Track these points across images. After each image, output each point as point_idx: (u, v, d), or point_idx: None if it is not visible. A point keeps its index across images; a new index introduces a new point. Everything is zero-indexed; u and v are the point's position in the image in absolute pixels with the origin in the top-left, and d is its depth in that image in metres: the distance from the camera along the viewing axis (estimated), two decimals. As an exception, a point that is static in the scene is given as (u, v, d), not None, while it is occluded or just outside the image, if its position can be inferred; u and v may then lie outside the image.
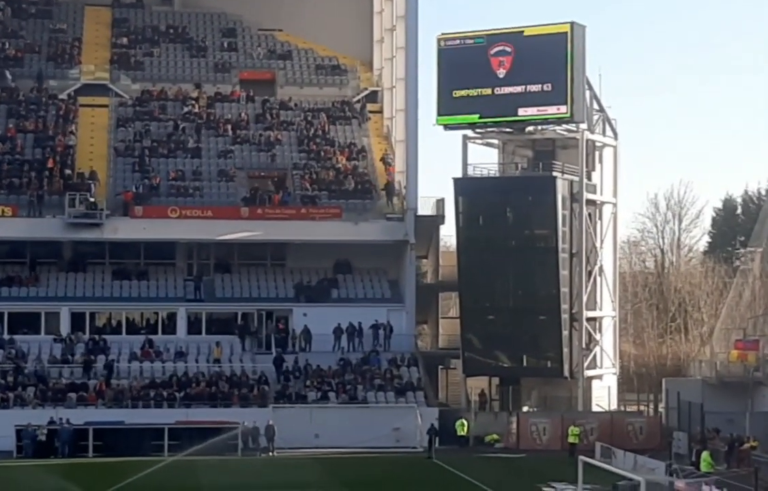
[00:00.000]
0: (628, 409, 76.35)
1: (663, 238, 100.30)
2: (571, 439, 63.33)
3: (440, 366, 77.70)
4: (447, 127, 72.89)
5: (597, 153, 73.22)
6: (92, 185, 73.64)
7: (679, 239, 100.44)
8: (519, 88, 70.46)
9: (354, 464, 59.93)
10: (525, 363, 70.87)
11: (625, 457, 55.40)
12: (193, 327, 72.88)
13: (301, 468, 58.02)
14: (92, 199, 72.31)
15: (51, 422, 62.70)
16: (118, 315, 73.63)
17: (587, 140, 71.23)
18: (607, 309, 73.70)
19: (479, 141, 74.66)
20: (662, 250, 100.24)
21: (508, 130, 73.05)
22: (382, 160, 79.29)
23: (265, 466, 59.26)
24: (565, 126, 71.46)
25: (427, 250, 79.04)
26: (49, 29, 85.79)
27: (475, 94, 71.52)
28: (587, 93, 71.04)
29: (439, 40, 72.72)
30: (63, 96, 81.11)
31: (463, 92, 71.70)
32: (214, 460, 57.08)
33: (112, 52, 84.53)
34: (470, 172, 72.67)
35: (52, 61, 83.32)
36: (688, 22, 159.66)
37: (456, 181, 71.80)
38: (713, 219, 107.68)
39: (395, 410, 66.98)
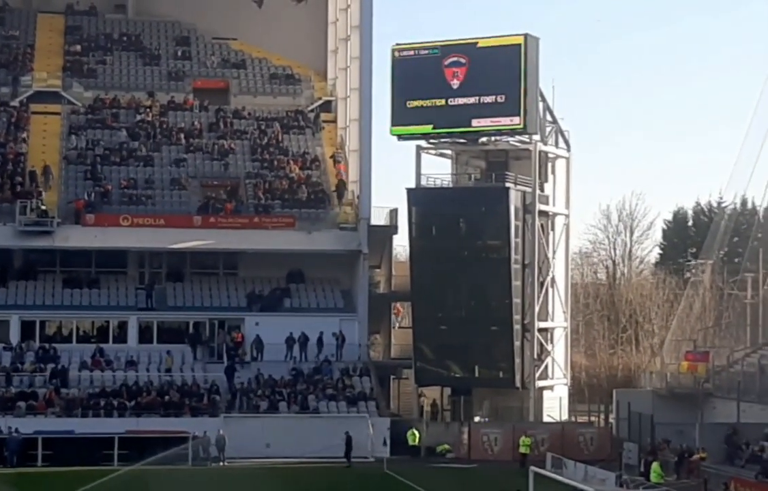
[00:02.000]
0: (579, 420, 76.62)
1: (615, 249, 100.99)
2: (522, 450, 63.51)
3: (392, 376, 77.69)
4: (401, 137, 73.04)
5: (550, 164, 73.58)
6: (43, 185, 73.06)
7: (630, 251, 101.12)
8: (473, 99, 70.70)
9: (305, 474, 59.83)
10: (477, 374, 70.99)
11: (575, 468, 55.65)
12: (145, 336, 72.49)
13: (252, 479, 57.83)
14: (43, 207, 71.83)
15: None
16: (68, 324, 73.12)
17: (540, 152, 71.58)
18: (558, 320, 74.02)
19: (433, 151, 74.85)
20: (614, 262, 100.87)
21: (461, 140, 73.27)
22: (332, 157, 79.38)
23: (215, 477, 58.99)
24: (518, 137, 71.77)
25: (380, 260, 79.06)
26: (1, 35, 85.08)
27: (429, 104, 71.69)
28: (540, 104, 71.41)
29: (393, 50, 72.86)
30: (15, 103, 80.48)
31: (417, 103, 71.85)
32: (164, 470, 56.75)
33: (65, 60, 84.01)
34: (423, 182, 72.84)
35: (4, 67, 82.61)
36: (641, 34, 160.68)
37: (409, 191, 71.93)
38: (664, 231, 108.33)
39: (347, 420, 66.85)
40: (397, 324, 77.54)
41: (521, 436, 64.42)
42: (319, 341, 71.84)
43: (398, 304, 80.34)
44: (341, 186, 76.95)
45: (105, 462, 60.40)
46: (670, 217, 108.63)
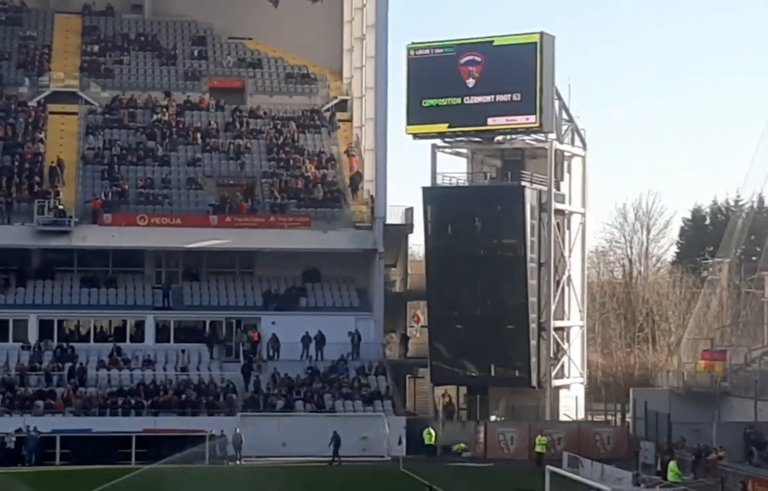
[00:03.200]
0: (595, 419, 76.49)
1: (631, 248, 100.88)
2: (538, 449, 63.52)
3: (408, 375, 77.76)
4: (416, 136, 73.09)
5: (566, 163, 73.52)
6: (60, 180, 73.38)
7: (647, 249, 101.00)
8: (488, 98, 70.69)
9: (321, 473, 59.92)
10: (493, 373, 70.97)
11: (592, 467, 55.63)
12: (161, 335, 72.66)
13: (268, 477, 57.95)
14: (61, 207, 72.09)
15: (18, 430, 62.43)
16: (86, 323, 73.31)
17: (556, 150, 71.51)
18: (575, 319, 73.95)
19: (448, 150, 74.84)
20: (630, 260, 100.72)
21: (477, 139, 73.26)
22: (346, 152, 79.47)
23: (232, 475, 59.12)
24: (534, 136, 71.75)
25: (395, 259, 79.11)
26: (19, 36, 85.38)
27: (445, 103, 71.69)
28: (556, 103, 71.33)
29: (408, 49, 72.91)
30: (32, 103, 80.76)
31: (433, 101, 71.88)
32: (181, 469, 56.88)
33: (82, 60, 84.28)
34: (439, 181, 72.87)
35: (21, 68, 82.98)
36: (658, 32, 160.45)
37: (425, 190, 71.96)
38: (681, 229, 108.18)
39: (363, 419, 66.97)
40: (417, 333, 77.30)
41: (537, 435, 64.41)
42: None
43: (418, 312, 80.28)
44: (356, 179, 77.06)
45: (122, 461, 60.62)
46: (687, 215, 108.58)
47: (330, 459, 62.64)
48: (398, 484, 56.82)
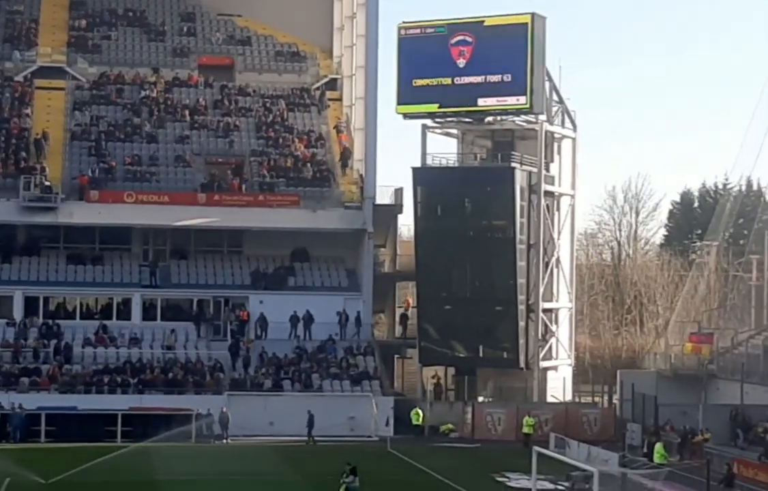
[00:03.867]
0: (582, 401, 76.59)
1: (620, 230, 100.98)
2: (525, 430, 63.54)
3: (396, 356, 77.66)
4: (406, 116, 72.94)
5: (556, 144, 73.42)
6: (44, 154, 73.12)
7: (636, 232, 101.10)
8: (479, 78, 70.52)
9: (308, 452, 59.78)
10: (481, 354, 70.94)
11: (579, 448, 55.55)
12: (148, 313, 72.34)
13: (255, 457, 57.80)
14: (47, 183, 71.68)
15: (2, 407, 62.13)
16: (72, 300, 73.06)
17: (546, 131, 71.37)
18: (563, 301, 73.90)
19: (438, 130, 74.70)
20: (619, 243, 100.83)
21: (467, 120, 73.10)
22: (335, 127, 79.22)
23: (219, 454, 58.95)
24: (524, 117, 71.62)
25: (385, 239, 78.94)
26: (6, 10, 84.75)
27: (435, 83, 71.51)
28: (547, 84, 71.19)
29: (399, 28, 72.69)
30: (19, 78, 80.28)
31: (423, 81, 71.69)
32: (167, 447, 56.65)
33: (70, 35, 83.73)
34: (429, 161, 72.73)
35: (8, 42, 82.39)
36: (649, 16, 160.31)
37: (415, 170, 71.80)
38: (670, 212, 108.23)
39: (350, 399, 66.85)
40: (408, 320, 77.03)
41: (525, 416, 64.39)
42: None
43: (408, 298, 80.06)
44: (346, 154, 76.83)
45: (108, 439, 60.41)
46: (676, 198, 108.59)
47: (306, 439, 62.41)
48: (385, 464, 56.68)
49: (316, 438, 62.53)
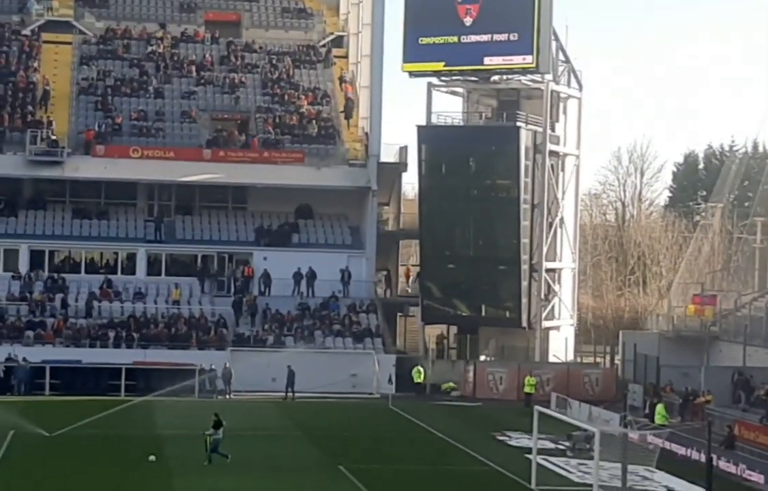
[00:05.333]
0: (584, 361, 76.84)
1: (624, 191, 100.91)
2: (527, 389, 63.76)
3: (399, 314, 77.88)
4: (412, 74, 72.95)
5: (561, 104, 73.41)
6: (48, 105, 73.27)
7: (640, 193, 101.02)
8: (485, 37, 70.51)
9: (310, 409, 60.11)
10: (483, 313, 71.16)
11: (580, 408, 55.69)
12: (153, 268, 72.63)
13: (257, 412, 58.11)
14: (53, 137, 71.81)
15: (8, 359, 62.49)
16: (77, 254, 73.25)
17: (552, 91, 71.37)
18: (566, 261, 74.04)
19: (444, 89, 74.69)
20: (623, 203, 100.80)
21: (473, 78, 73.05)
22: (340, 78, 79.29)
23: (221, 409, 59.15)
24: (530, 76, 71.58)
25: (389, 197, 79.04)
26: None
27: (441, 41, 71.51)
28: (553, 44, 71.13)
29: (406, -15, 72.54)
30: (26, 32, 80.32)
31: (429, 40, 71.67)
32: (171, 402, 57.01)
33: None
34: (434, 120, 72.76)
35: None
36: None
37: (419, 128, 71.85)
38: (674, 173, 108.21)
39: (353, 356, 67.14)
40: (409, 289, 77.15)
41: (526, 376, 64.62)
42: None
43: (409, 266, 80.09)
44: (349, 105, 76.82)
45: (112, 393, 60.72)
46: (681, 160, 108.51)
47: (284, 394, 62.65)
48: (387, 421, 57.03)
49: (295, 394, 62.63)
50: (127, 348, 65.69)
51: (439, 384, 68.13)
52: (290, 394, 62.80)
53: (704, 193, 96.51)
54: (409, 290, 76.81)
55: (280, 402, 61.31)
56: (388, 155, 76.11)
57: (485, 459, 46.75)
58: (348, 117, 76.97)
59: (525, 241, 69.99)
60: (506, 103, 73.09)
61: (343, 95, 78.60)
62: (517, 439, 51.68)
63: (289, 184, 73.48)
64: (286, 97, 78.28)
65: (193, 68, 79.23)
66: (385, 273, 78.11)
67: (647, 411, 57.89)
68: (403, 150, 76.60)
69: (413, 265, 79.61)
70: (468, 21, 71.05)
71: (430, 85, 73.06)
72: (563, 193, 73.24)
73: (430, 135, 71.81)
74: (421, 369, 67.26)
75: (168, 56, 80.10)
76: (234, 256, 73.47)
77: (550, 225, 71.83)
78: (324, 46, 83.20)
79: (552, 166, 71.87)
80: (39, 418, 50.93)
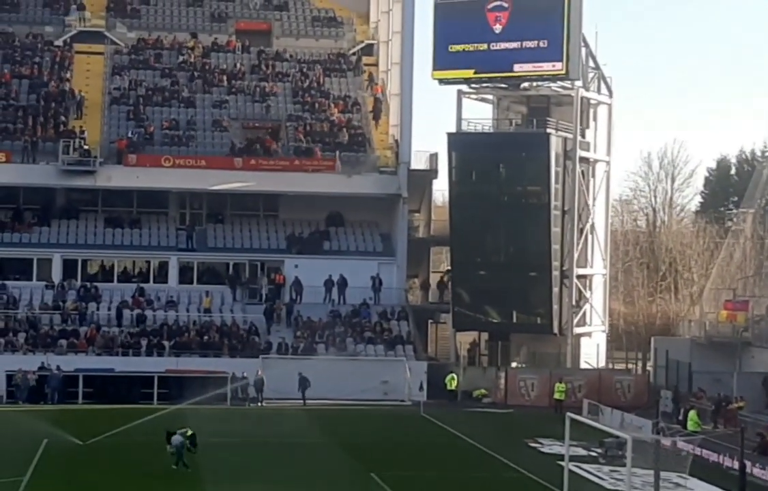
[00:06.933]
0: (616, 367, 76.68)
1: (655, 197, 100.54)
2: (557, 396, 63.74)
3: (430, 321, 77.93)
4: (442, 81, 72.97)
5: (591, 110, 73.30)
6: (81, 113, 73.87)
7: (671, 198, 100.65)
8: (515, 44, 70.45)
9: (342, 416, 60.21)
10: (515, 319, 71.10)
11: (612, 415, 55.75)
12: (185, 276, 72.96)
13: (289, 420, 58.27)
14: (86, 147, 72.28)
15: (41, 368, 62.88)
16: (109, 263, 73.68)
17: (582, 97, 71.28)
18: (597, 267, 73.91)
19: (474, 96, 74.74)
20: (654, 209, 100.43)
21: (503, 85, 73.08)
22: (369, 78, 79.43)
23: (254, 417, 59.44)
24: (560, 83, 71.48)
25: (419, 204, 79.14)
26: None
27: (471, 48, 71.52)
28: (583, 50, 70.99)
29: (435, -7, 72.65)
30: (59, 43, 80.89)
31: (459, 47, 71.70)
32: (203, 410, 57.21)
33: (109, 0, 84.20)
34: (464, 127, 72.75)
35: (48, 7, 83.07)
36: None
37: (450, 135, 71.89)
38: (706, 179, 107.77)
39: (384, 363, 67.23)
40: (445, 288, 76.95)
41: (556, 382, 64.54)
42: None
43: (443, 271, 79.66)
44: (378, 105, 76.99)
45: (144, 401, 61.01)
46: (713, 165, 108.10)
47: (301, 401, 62.86)
48: (419, 428, 57.09)
49: (307, 401, 62.83)
50: (159, 356, 65.97)
51: (471, 391, 68.10)
52: (303, 400, 62.96)
53: (736, 198, 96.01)
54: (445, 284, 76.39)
55: (312, 410, 61.38)
56: (418, 162, 76.26)
57: (517, 466, 46.74)
58: (377, 118, 77.18)
59: (556, 247, 69.93)
60: (536, 109, 73.06)
61: (371, 98, 78.75)
62: (549, 446, 51.63)
63: (320, 192, 73.70)
64: (316, 105, 78.53)
65: (224, 77, 79.60)
66: (419, 279, 78.14)
67: (680, 417, 57.70)
68: (434, 157, 76.70)
69: (444, 272, 79.47)
70: (498, 28, 71.07)
71: (460, 92, 73.11)
72: (594, 199, 73.14)
73: (460, 142, 71.86)
74: (455, 376, 67.29)
75: (199, 65, 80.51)
76: (265, 264, 73.70)
77: (581, 231, 71.75)
78: (354, 54, 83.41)
79: (582, 172, 71.78)
80: (72, 427, 51.23)
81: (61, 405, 60.48)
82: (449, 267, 79.28)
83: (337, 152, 74.42)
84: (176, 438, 44.06)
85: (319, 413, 60.62)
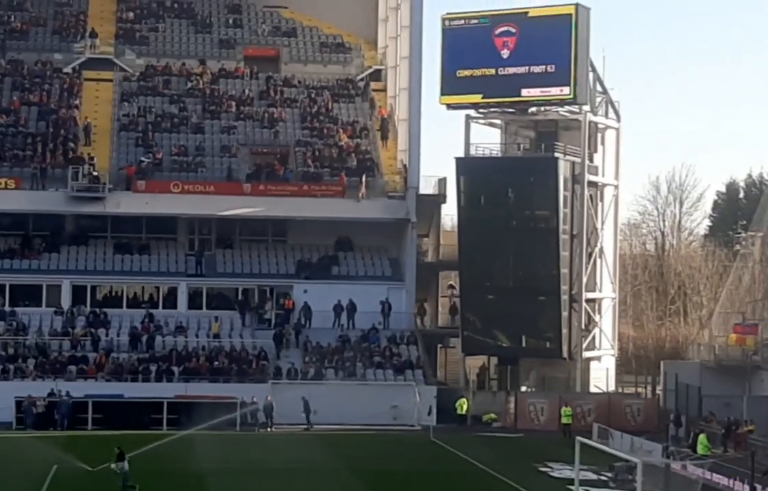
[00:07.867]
0: (626, 391, 76.54)
1: (664, 220, 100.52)
2: (564, 420, 63.76)
3: (439, 345, 77.93)
4: (450, 106, 73.14)
5: (599, 135, 73.35)
6: (89, 140, 74.14)
7: (679, 222, 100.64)
8: (522, 69, 70.60)
9: (352, 441, 60.17)
10: (524, 344, 71.07)
11: (622, 439, 55.64)
12: (194, 301, 73.04)
13: (299, 445, 58.24)
14: (95, 173, 72.47)
15: (51, 394, 62.94)
16: (119, 289, 73.75)
17: (590, 122, 71.35)
18: (606, 291, 73.87)
19: (482, 121, 74.82)
20: (663, 233, 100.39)
21: (510, 110, 73.18)
22: (371, 102, 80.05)
23: (263, 442, 59.45)
24: (567, 107, 71.57)
25: (428, 229, 79.21)
26: (55, 2, 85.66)
27: (479, 74, 71.69)
28: (590, 75, 71.11)
29: (443, 19, 72.85)
30: (68, 70, 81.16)
31: (467, 72, 71.87)
32: (213, 435, 57.18)
33: (117, 27, 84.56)
34: (472, 151, 72.85)
35: (57, 34, 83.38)
36: (692, 5, 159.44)
37: (458, 160, 72.00)
38: (715, 202, 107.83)
39: (394, 388, 67.22)
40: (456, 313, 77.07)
41: (563, 407, 64.48)
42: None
43: (453, 290, 79.72)
44: (385, 125, 77.15)
45: (154, 427, 61.02)
46: (721, 188, 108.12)
47: (305, 426, 62.97)
48: (428, 453, 57.05)
49: (312, 424, 63.15)
50: (168, 382, 66.01)
51: (480, 416, 68.08)
52: (309, 425, 63.02)
53: (744, 221, 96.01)
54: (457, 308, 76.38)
55: (321, 435, 61.34)
56: (426, 187, 76.35)
57: (527, 491, 46.69)
58: (384, 138, 77.31)
59: (564, 271, 69.94)
60: (544, 134, 73.15)
61: (378, 118, 78.92)
62: (559, 470, 51.56)
63: (328, 217, 73.81)
64: (325, 131, 78.71)
65: (233, 103, 79.80)
66: (425, 302, 78.22)
67: (690, 441, 57.61)
68: (442, 182, 76.78)
69: (450, 296, 79.47)
70: (505, 53, 71.24)
71: (468, 117, 73.24)
72: (602, 223, 73.16)
73: (468, 166, 71.97)
74: (465, 402, 67.24)
75: (208, 92, 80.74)
76: (274, 289, 73.78)
77: (590, 255, 71.75)
78: (362, 79, 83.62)
79: (591, 196, 71.82)
80: (82, 453, 51.23)
81: (70, 432, 60.53)
82: (451, 283, 79.49)
83: (343, 174, 74.52)
84: (124, 465, 43.94)
85: (329, 438, 60.61)
